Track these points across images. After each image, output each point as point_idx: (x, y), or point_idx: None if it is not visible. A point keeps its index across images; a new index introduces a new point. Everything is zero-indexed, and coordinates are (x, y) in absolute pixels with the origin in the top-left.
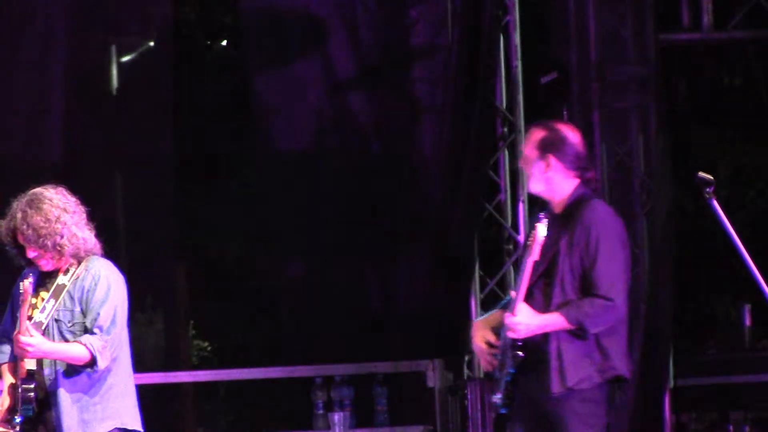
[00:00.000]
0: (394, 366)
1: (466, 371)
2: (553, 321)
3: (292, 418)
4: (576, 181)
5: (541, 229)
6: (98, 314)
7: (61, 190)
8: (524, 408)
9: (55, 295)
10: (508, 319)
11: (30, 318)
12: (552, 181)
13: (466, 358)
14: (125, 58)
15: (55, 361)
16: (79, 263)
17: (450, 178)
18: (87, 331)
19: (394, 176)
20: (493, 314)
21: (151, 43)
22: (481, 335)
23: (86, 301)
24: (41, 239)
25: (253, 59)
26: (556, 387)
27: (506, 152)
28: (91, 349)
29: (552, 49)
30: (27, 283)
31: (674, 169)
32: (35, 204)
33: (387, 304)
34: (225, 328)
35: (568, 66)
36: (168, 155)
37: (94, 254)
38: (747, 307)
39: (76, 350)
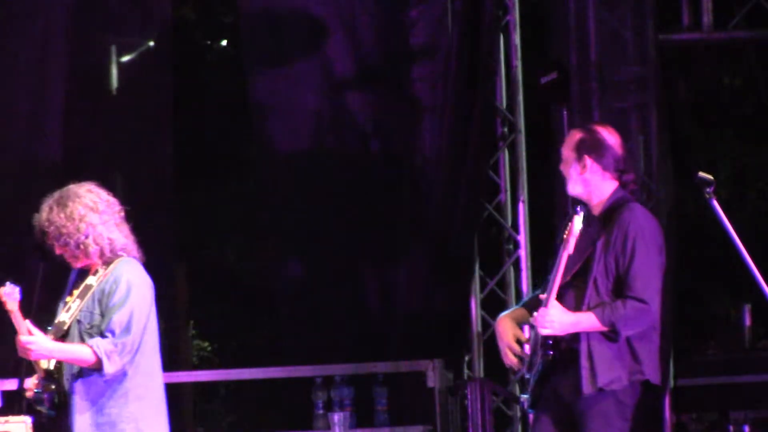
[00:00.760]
0: (394, 366)
1: (466, 371)
2: (586, 320)
3: (292, 418)
4: (615, 184)
5: (578, 222)
6: (112, 318)
7: (93, 187)
8: (553, 407)
9: (82, 296)
10: (541, 314)
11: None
12: (590, 183)
13: (466, 358)
14: (125, 58)
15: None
16: (108, 264)
17: (450, 178)
18: (101, 334)
19: (393, 176)
20: (517, 310)
21: (151, 43)
22: (512, 333)
23: (104, 303)
24: (63, 237)
25: (252, 59)
26: (586, 387)
27: (506, 152)
28: (98, 352)
29: (552, 49)
30: (9, 288)
31: (674, 169)
32: (62, 201)
33: (387, 304)
34: (225, 328)
35: (568, 66)
36: (168, 155)
37: (123, 255)
38: (747, 307)
39: (81, 352)
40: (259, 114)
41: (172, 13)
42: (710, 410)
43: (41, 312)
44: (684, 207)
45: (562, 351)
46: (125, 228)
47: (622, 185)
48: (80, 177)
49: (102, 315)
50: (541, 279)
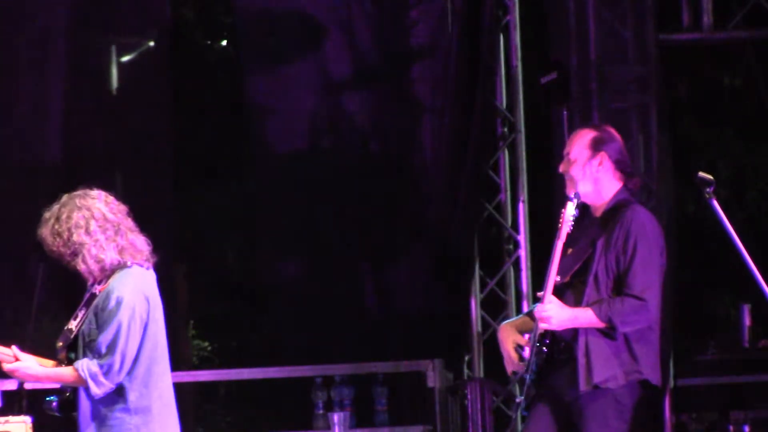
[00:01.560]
0: (394, 366)
1: (466, 371)
2: (584, 315)
3: (292, 418)
4: (619, 185)
5: (570, 208)
6: (99, 338)
7: (93, 200)
8: (550, 404)
9: (87, 305)
10: (538, 308)
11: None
12: (600, 181)
13: (466, 358)
14: (125, 58)
15: None
16: (109, 276)
17: (450, 178)
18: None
19: (393, 176)
20: (520, 319)
21: (151, 43)
22: (512, 339)
23: (98, 317)
24: (55, 253)
25: (249, 60)
26: (582, 384)
27: (506, 152)
28: (83, 375)
29: (552, 49)
30: None
31: (674, 169)
32: (59, 213)
33: (387, 304)
34: (225, 328)
35: (568, 66)
36: (168, 155)
37: (128, 263)
38: (747, 307)
39: (68, 376)
40: (256, 114)
41: (171, 13)
42: (710, 410)
43: (42, 312)
44: (684, 207)
45: (560, 349)
46: (128, 239)
47: (626, 187)
48: (80, 177)
49: (97, 328)
50: (541, 280)
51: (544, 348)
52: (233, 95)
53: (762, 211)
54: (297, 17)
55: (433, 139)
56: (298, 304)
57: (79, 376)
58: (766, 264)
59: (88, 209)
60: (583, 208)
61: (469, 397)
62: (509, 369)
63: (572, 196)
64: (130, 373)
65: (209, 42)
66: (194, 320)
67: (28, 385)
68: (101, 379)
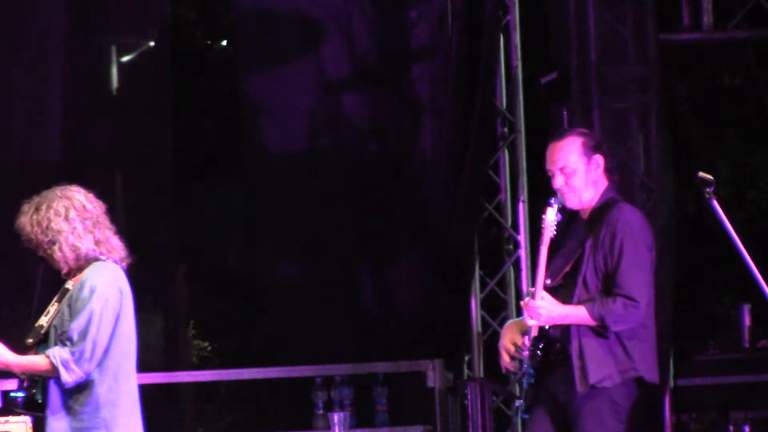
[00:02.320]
0: (394, 366)
1: (466, 371)
2: (576, 313)
3: (292, 418)
4: (606, 183)
5: (550, 213)
6: (71, 325)
7: (71, 193)
8: (548, 406)
9: (59, 300)
10: (530, 304)
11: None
12: (597, 184)
13: (466, 358)
14: (125, 58)
15: None
16: (82, 268)
17: (450, 178)
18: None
19: (393, 176)
20: (523, 319)
21: (151, 43)
22: (510, 337)
23: (71, 308)
24: (33, 243)
25: (247, 60)
26: (579, 385)
27: (506, 152)
28: (54, 362)
29: (552, 49)
30: None
31: (674, 169)
32: (37, 207)
33: (387, 304)
34: (225, 328)
35: (568, 66)
36: (168, 155)
37: (101, 258)
38: (747, 307)
39: (39, 363)
40: (255, 114)
41: (171, 13)
42: (710, 410)
43: (41, 312)
44: (684, 207)
45: (555, 351)
46: (103, 231)
47: (612, 185)
48: (80, 177)
49: (70, 318)
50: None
51: (539, 351)
52: (233, 95)
53: (762, 211)
54: (296, 17)
55: (433, 139)
56: (298, 304)
57: (51, 363)
58: (766, 264)
59: (69, 199)
60: (572, 213)
61: (469, 397)
62: (503, 365)
63: (552, 200)
64: (101, 365)
65: (209, 42)
66: (194, 320)
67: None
68: (72, 366)
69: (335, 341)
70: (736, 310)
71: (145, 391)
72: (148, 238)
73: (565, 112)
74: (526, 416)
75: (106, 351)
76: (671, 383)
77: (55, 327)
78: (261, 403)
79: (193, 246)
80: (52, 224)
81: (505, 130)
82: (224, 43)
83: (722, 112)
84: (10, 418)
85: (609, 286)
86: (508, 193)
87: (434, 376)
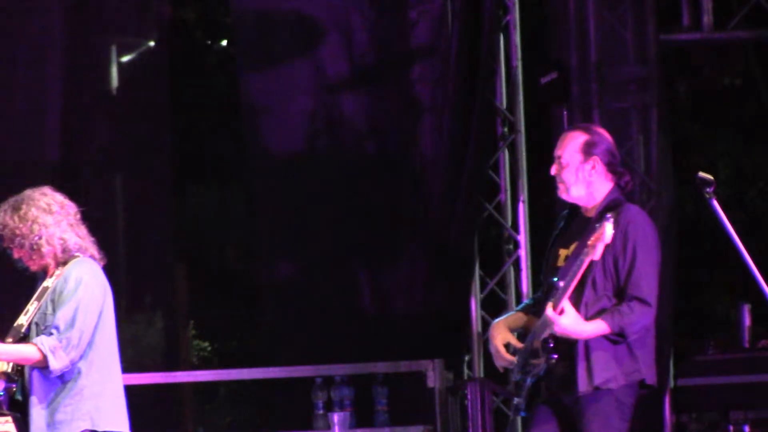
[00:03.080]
0: (394, 366)
1: (466, 371)
2: (596, 328)
3: (292, 418)
4: (610, 185)
5: (608, 229)
6: (57, 314)
7: (48, 191)
8: (551, 406)
9: (39, 298)
10: (553, 319)
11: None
12: (593, 184)
13: (466, 358)
14: (125, 58)
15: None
16: (63, 264)
17: (450, 178)
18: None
19: (392, 176)
20: (513, 315)
21: (151, 43)
22: (502, 337)
23: (55, 302)
24: (18, 239)
25: (245, 60)
26: (583, 386)
27: (506, 152)
28: (43, 349)
29: (552, 49)
30: None
31: (674, 169)
32: (16, 205)
33: (387, 304)
34: (225, 328)
35: (568, 66)
36: (168, 155)
37: (79, 255)
38: (747, 307)
39: (26, 351)
40: (254, 115)
41: (171, 13)
42: (710, 410)
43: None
44: (684, 207)
45: (562, 353)
46: (82, 229)
47: (618, 186)
48: (79, 177)
49: (54, 311)
50: (540, 280)
51: (553, 355)
52: (232, 95)
53: (762, 211)
54: (295, 18)
55: (433, 139)
56: (298, 304)
57: (39, 350)
58: (766, 264)
59: (46, 195)
60: (574, 208)
61: (469, 397)
62: (498, 364)
63: (609, 216)
64: (86, 358)
65: (209, 42)
66: (194, 320)
67: None
68: (61, 353)
69: (335, 341)
70: (736, 310)
71: (145, 391)
72: (148, 238)
73: (565, 112)
74: (524, 414)
75: (91, 344)
76: (671, 383)
77: (36, 324)
78: (261, 403)
79: (193, 246)
80: (39, 219)
81: (505, 130)
82: (224, 43)
83: (722, 112)
84: (11, 418)
85: (619, 287)
86: (508, 193)
87: (434, 376)
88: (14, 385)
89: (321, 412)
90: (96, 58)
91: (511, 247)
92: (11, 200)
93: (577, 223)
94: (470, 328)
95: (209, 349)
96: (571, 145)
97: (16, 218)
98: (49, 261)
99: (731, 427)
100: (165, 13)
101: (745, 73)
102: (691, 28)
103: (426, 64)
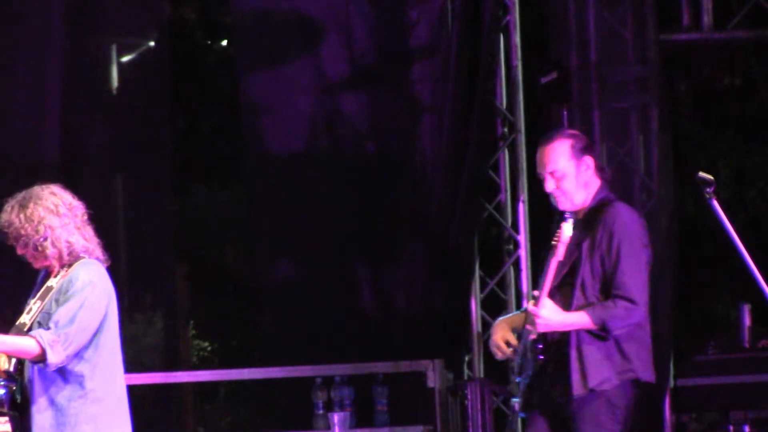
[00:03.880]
0: (394, 366)
1: (466, 371)
2: (578, 319)
3: (292, 418)
4: (599, 182)
5: (567, 229)
6: (59, 309)
7: (57, 190)
8: (546, 409)
9: (42, 297)
10: (532, 310)
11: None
12: (590, 184)
13: (466, 358)
14: (125, 58)
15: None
16: (69, 266)
17: (450, 178)
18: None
19: (392, 176)
20: (515, 315)
21: (151, 43)
22: (501, 335)
23: (59, 301)
24: (22, 239)
25: (245, 60)
26: (577, 389)
27: (506, 152)
28: (41, 342)
29: (552, 49)
30: None
31: (674, 169)
32: (23, 203)
33: (387, 304)
34: (225, 328)
35: (568, 66)
36: (167, 155)
37: (85, 257)
38: (747, 307)
39: (24, 343)
40: (254, 114)
41: (171, 13)
42: (710, 410)
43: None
44: (684, 207)
45: (553, 354)
46: (88, 231)
47: (605, 182)
48: (79, 177)
49: (58, 308)
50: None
51: (540, 356)
52: (232, 95)
53: (762, 211)
54: (295, 18)
55: (433, 139)
56: (298, 304)
57: (38, 343)
58: (766, 264)
59: (55, 195)
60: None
61: (469, 397)
62: (497, 356)
63: (567, 215)
64: (90, 360)
65: (209, 42)
66: (194, 320)
67: None
68: (59, 347)
69: (335, 341)
70: (736, 310)
71: (145, 391)
72: (148, 238)
73: (565, 112)
74: (523, 415)
75: (96, 347)
76: (671, 383)
77: (39, 323)
78: (261, 403)
79: (193, 246)
80: (45, 220)
81: (505, 130)
82: (224, 43)
83: (722, 112)
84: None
85: (608, 287)
86: (508, 193)
87: (434, 376)
88: (14, 384)
89: (321, 412)
90: (96, 58)
91: (511, 247)
92: (19, 197)
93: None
94: (470, 328)
95: (209, 349)
96: (560, 155)
97: (22, 217)
98: (53, 262)
99: (731, 427)
100: (165, 13)
101: (745, 73)
102: (691, 28)
103: (426, 64)
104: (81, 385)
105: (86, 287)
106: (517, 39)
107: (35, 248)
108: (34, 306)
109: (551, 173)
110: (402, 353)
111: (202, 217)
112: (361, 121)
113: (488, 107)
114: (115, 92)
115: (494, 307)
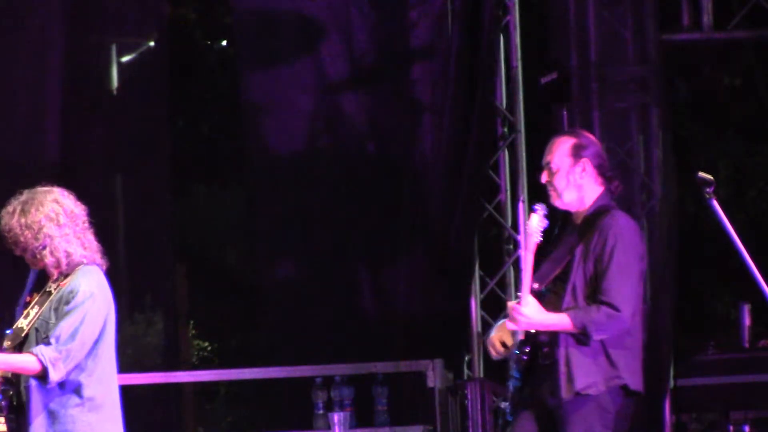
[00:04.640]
0: (394, 366)
1: (466, 371)
2: (558, 320)
3: (292, 418)
4: (600, 189)
5: (534, 220)
6: (60, 324)
7: (60, 196)
8: (534, 410)
9: (40, 303)
10: (513, 308)
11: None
12: (583, 188)
13: (466, 358)
14: (125, 58)
15: None
16: (67, 273)
17: (450, 178)
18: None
19: (392, 176)
20: None
21: (151, 43)
22: (497, 335)
23: (60, 311)
24: (21, 245)
25: (246, 60)
26: (564, 391)
27: (506, 152)
28: (43, 360)
29: (552, 49)
30: None
31: (674, 169)
32: (25, 208)
33: (387, 304)
34: (225, 328)
35: (568, 66)
36: (167, 155)
37: (84, 263)
38: (747, 307)
39: (26, 361)
40: (254, 114)
41: (171, 13)
42: (710, 410)
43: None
44: (684, 207)
45: (543, 355)
46: (88, 237)
47: (609, 192)
48: (79, 177)
49: (57, 320)
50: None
51: (524, 356)
52: (233, 95)
53: (762, 211)
54: (295, 17)
55: (433, 139)
56: (298, 304)
57: (38, 360)
58: (766, 264)
59: (56, 202)
60: (566, 214)
61: (469, 397)
62: (491, 354)
63: (535, 207)
64: (87, 369)
65: (209, 42)
66: (194, 320)
67: None
68: (60, 365)
69: (335, 341)
70: (736, 310)
71: (145, 391)
72: (148, 238)
73: (565, 112)
74: (510, 418)
75: (94, 356)
76: (671, 383)
77: (36, 330)
78: (261, 403)
79: (193, 246)
80: (45, 229)
81: (505, 130)
82: (224, 43)
83: (722, 112)
84: None
85: (595, 291)
86: (508, 193)
87: (434, 376)
88: (12, 389)
89: (321, 412)
90: (96, 58)
91: (511, 247)
92: (21, 200)
93: (566, 232)
94: (470, 328)
95: (209, 349)
96: (559, 150)
97: (22, 223)
98: (51, 270)
99: (731, 427)
100: (165, 13)
101: (745, 73)
102: (691, 28)
103: (426, 64)
104: (79, 393)
105: (87, 300)
106: (517, 39)
107: (33, 255)
108: (31, 311)
109: (546, 164)
110: (402, 353)
111: (202, 217)
112: (361, 121)
113: (488, 107)
114: (115, 92)
115: (494, 307)
